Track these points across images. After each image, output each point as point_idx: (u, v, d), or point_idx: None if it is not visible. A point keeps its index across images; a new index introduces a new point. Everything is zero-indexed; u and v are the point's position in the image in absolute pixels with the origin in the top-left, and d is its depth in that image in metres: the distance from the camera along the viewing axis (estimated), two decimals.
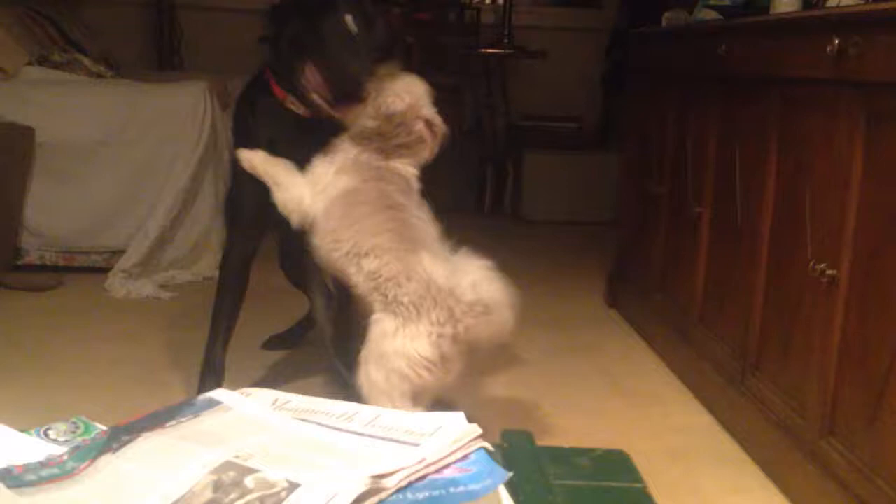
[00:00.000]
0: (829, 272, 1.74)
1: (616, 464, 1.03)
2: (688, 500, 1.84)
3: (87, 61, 3.79)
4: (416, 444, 0.84)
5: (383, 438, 0.87)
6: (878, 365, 1.58)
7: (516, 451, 0.98)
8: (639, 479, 0.99)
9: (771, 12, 2.25)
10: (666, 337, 2.72)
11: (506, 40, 4.92)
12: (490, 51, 4.89)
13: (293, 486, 0.74)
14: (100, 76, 3.76)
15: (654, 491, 1.66)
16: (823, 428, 1.78)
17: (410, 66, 1.97)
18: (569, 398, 2.39)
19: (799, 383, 1.89)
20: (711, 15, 2.65)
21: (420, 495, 0.77)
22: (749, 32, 2.24)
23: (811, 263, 1.81)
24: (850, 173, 1.70)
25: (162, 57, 4.88)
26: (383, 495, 0.74)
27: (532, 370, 2.60)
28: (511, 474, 0.83)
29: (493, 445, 0.92)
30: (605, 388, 2.49)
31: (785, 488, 1.89)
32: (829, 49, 1.70)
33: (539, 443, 1.02)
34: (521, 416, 2.24)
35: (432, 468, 0.81)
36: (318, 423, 0.89)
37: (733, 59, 2.27)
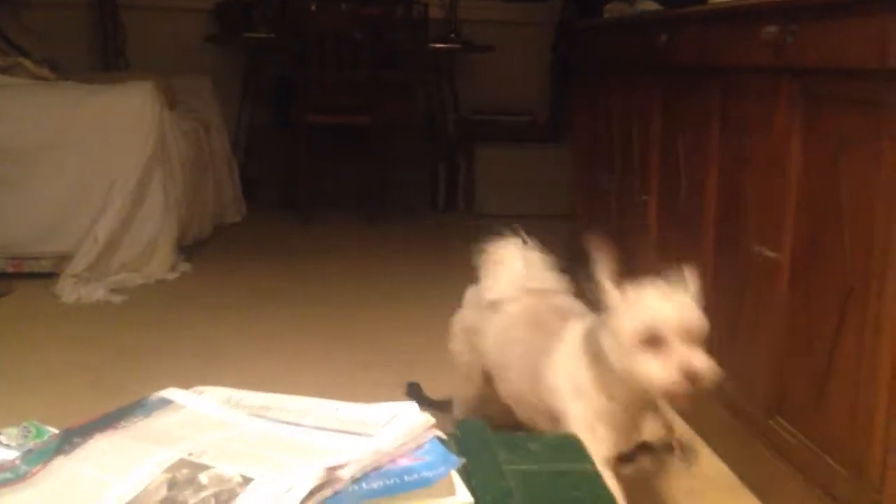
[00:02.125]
0: (772, 256, 1.78)
1: (567, 448, 1.05)
2: (639, 480, 1.87)
3: (29, 64, 3.73)
4: (371, 435, 0.85)
5: (338, 431, 0.88)
6: (823, 344, 1.63)
7: (470, 439, 0.99)
8: (589, 461, 1.01)
9: (710, 1, 2.30)
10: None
11: (453, 35, 4.93)
12: (438, 46, 4.91)
13: (247, 481, 0.74)
14: (43, 79, 3.70)
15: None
16: (772, 408, 1.82)
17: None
18: None
19: (747, 365, 1.93)
20: (652, 6, 2.69)
21: (375, 485, 0.78)
22: (688, 22, 2.28)
23: (755, 248, 1.85)
24: (789, 159, 1.74)
25: (107, 58, 4.82)
26: (338, 486, 0.76)
27: None
28: (464, 461, 0.85)
29: (447, 434, 0.94)
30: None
31: (735, 468, 1.93)
32: (766, 37, 1.74)
33: (493, 431, 1.04)
34: (476, 405, 2.25)
35: (387, 458, 0.82)
36: (274, 419, 0.90)
37: (674, 48, 2.31)
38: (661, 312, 1.44)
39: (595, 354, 1.51)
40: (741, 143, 1.97)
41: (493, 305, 1.81)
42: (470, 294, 1.96)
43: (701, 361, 1.42)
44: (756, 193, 1.89)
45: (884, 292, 1.42)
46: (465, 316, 1.95)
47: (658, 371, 1.41)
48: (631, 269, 2.69)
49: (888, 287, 1.41)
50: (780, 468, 1.75)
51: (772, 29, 1.73)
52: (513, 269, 1.88)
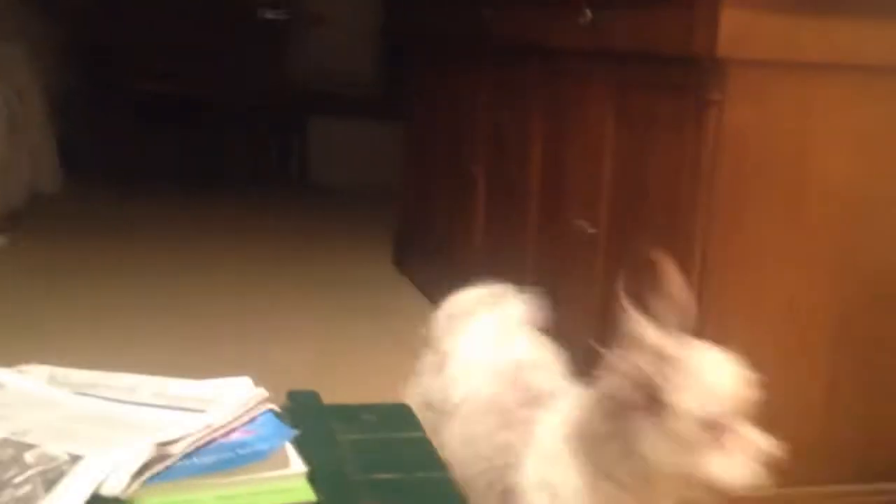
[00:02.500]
0: (589, 230, 1.89)
1: (398, 417, 1.09)
2: None
3: None
4: (203, 411, 0.86)
5: (169, 407, 0.88)
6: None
7: (303, 411, 1.01)
8: (419, 429, 1.05)
9: None
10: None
11: (283, 5, 4.86)
12: (269, 16, 4.82)
13: (75, 459, 0.74)
14: None
15: (436, 441, 1.75)
16: (591, 374, 1.93)
17: None
18: (358, 358, 2.45)
19: (569, 335, 2.04)
20: None
21: (207, 459, 0.79)
22: (511, 1, 2.35)
23: (573, 221, 1.95)
24: (604, 138, 1.84)
25: None
26: (169, 462, 0.76)
27: (321, 332, 2.65)
28: (297, 433, 0.87)
29: (281, 407, 0.95)
30: (392, 347, 2.57)
31: None
32: (582, 20, 1.82)
33: (327, 402, 1.06)
34: (310, 377, 2.26)
35: (219, 433, 0.83)
36: (100, 397, 0.89)
37: (499, 25, 2.38)
38: (723, 386, 1.08)
39: (589, 453, 1.11)
40: (560, 122, 2.07)
41: (449, 401, 1.35)
42: (426, 362, 1.54)
43: (767, 443, 1.10)
44: (575, 170, 1.99)
45: (686, 267, 1.53)
46: (425, 386, 1.50)
47: (739, 467, 1.07)
48: (458, 243, 2.77)
49: (689, 261, 1.52)
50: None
51: (587, 13, 1.81)
52: (479, 334, 1.43)
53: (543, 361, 1.39)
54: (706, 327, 1.52)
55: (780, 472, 1.60)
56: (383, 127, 4.78)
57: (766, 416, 1.58)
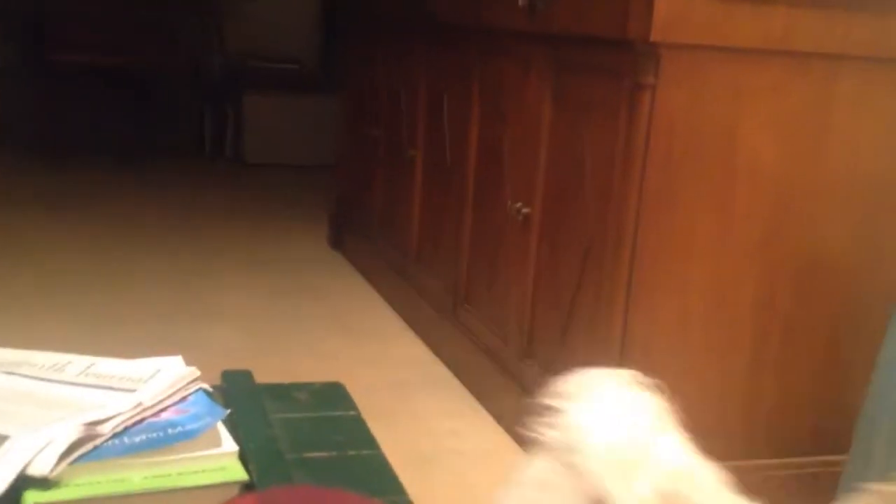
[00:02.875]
0: (524, 211, 1.91)
1: (332, 395, 1.10)
2: (407, 425, 1.96)
3: None
4: (133, 390, 0.85)
5: (98, 386, 0.87)
6: (566, 293, 1.77)
7: (236, 390, 1.01)
8: (353, 407, 1.06)
9: None
10: (386, 275, 2.83)
11: None
12: None
13: (1, 439, 0.73)
14: None
15: (375, 419, 1.76)
16: (522, 351, 1.96)
17: None
18: (294, 338, 2.44)
19: (502, 313, 2.06)
20: None
21: (137, 439, 0.78)
22: None
23: (510, 203, 1.97)
24: (541, 121, 1.86)
25: None
26: (98, 441, 0.75)
27: (257, 312, 2.63)
28: (229, 412, 0.87)
29: (213, 386, 0.95)
30: (328, 326, 2.57)
31: (492, 408, 2.07)
32: (521, 3, 1.83)
33: (261, 382, 1.06)
34: (245, 357, 2.26)
35: (150, 412, 0.82)
36: (27, 376, 0.87)
37: (437, 6, 2.38)
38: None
39: None
40: (498, 104, 2.08)
41: None
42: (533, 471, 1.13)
43: None
44: (512, 152, 2.01)
45: (618, 249, 1.56)
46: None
47: None
48: (395, 223, 2.77)
49: (622, 242, 1.55)
50: (529, 405, 1.89)
51: None
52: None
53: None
54: (637, 308, 1.56)
55: (699, 447, 1.64)
56: (320, 103, 4.75)
57: (691, 393, 1.63)
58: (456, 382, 2.23)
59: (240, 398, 0.97)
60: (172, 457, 0.77)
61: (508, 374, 2.00)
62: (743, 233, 1.58)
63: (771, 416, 1.68)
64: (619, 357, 1.58)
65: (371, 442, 0.98)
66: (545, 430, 0.81)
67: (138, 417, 0.81)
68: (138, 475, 0.75)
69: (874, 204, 1.64)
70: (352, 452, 0.94)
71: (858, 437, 1.56)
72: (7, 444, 0.72)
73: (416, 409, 2.07)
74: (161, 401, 0.84)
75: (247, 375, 1.08)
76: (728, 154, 1.54)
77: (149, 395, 0.84)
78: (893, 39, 1.56)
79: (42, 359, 0.90)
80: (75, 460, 0.72)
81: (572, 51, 1.74)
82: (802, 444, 1.71)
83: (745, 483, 1.79)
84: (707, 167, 1.54)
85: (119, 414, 0.79)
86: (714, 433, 1.65)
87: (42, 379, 0.86)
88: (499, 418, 2.04)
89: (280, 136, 4.76)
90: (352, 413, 1.04)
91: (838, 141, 1.59)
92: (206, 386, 0.91)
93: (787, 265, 1.62)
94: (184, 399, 0.87)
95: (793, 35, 1.51)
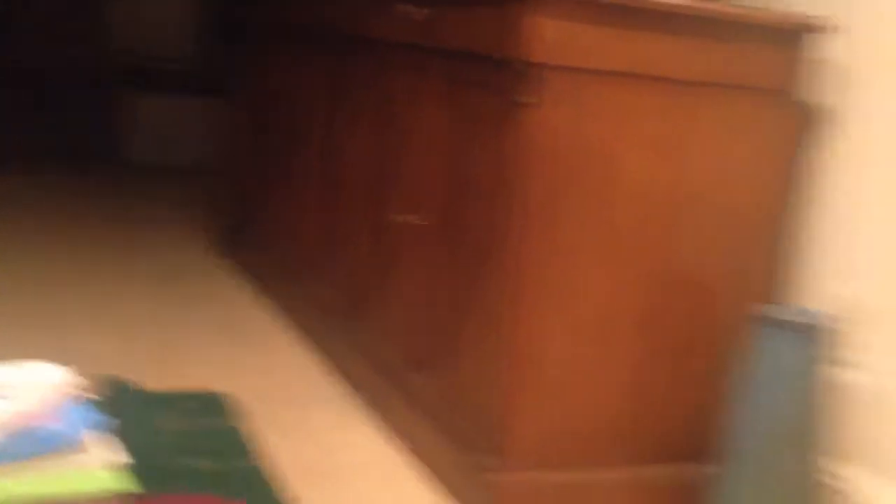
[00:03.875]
0: (416, 222, 1.94)
1: (217, 405, 1.11)
2: (298, 437, 1.96)
3: None
4: (5, 397, 0.84)
5: None
6: (458, 304, 1.81)
7: (119, 399, 1.01)
8: (238, 417, 1.07)
9: None
10: (278, 284, 2.82)
11: None
12: None
13: None
14: None
15: (266, 431, 1.76)
16: (414, 362, 1.99)
17: None
18: (181, 347, 2.40)
19: (394, 324, 2.09)
20: None
21: (11, 446, 0.78)
22: None
23: (403, 214, 2.00)
24: (432, 132, 1.90)
25: None
26: None
27: (142, 320, 2.58)
28: (111, 420, 0.87)
29: (97, 395, 0.95)
30: (217, 335, 2.54)
31: (386, 421, 2.08)
32: (405, 15, 1.87)
33: (147, 391, 1.06)
34: (131, 366, 2.22)
35: (27, 419, 0.82)
36: None
37: (331, 17, 2.40)
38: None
39: None
40: (393, 115, 2.11)
41: None
42: None
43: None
44: (406, 163, 2.04)
45: (505, 261, 1.61)
46: None
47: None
48: (288, 232, 2.76)
49: (508, 256, 1.60)
50: (419, 416, 1.92)
51: (408, 8, 1.86)
52: None
53: None
54: (524, 320, 1.61)
55: (586, 454, 1.71)
56: (210, 105, 4.67)
57: (580, 400, 1.69)
58: (351, 394, 2.25)
59: (123, 407, 0.97)
60: (49, 464, 0.77)
61: (401, 386, 2.03)
62: (624, 247, 1.65)
63: (654, 422, 1.75)
64: (507, 367, 1.63)
65: (253, 453, 0.99)
66: None
67: (16, 425, 0.80)
68: (12, 482, 0.75)
69: (735, 223, 1.73)
70: (234, 463, 0.95)
71: (728, 446, 1.65)
72: None
73: (308, 421, 2.07)
74: (39, 408, 0.84)
75: (130, 384, 1.08)
76: (609, 172, 1.61)
77: (26, 402, 0.83)
78: (753, 69, 1.67)
79: None
80: None
81: (464, 66, 1.78)
82: (678, 451, 1.79)
83: (624, 486, 1.87)
84: (589, 185, 1.60)
85: None
86: (596, 439, 1.71)
87: None
88: (391, 428, 2.06)
89: (168, 137, 4.67)
90: (236, 423, 1.06)
91: (704, 163, 1.68)
92: (88, 394, 0.91)
93: (667, 277, 1.69)
94: (61, 407, 0.86)
95: (662, 61, 1.60)
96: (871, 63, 1.73)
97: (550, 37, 1.51)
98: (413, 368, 1.99)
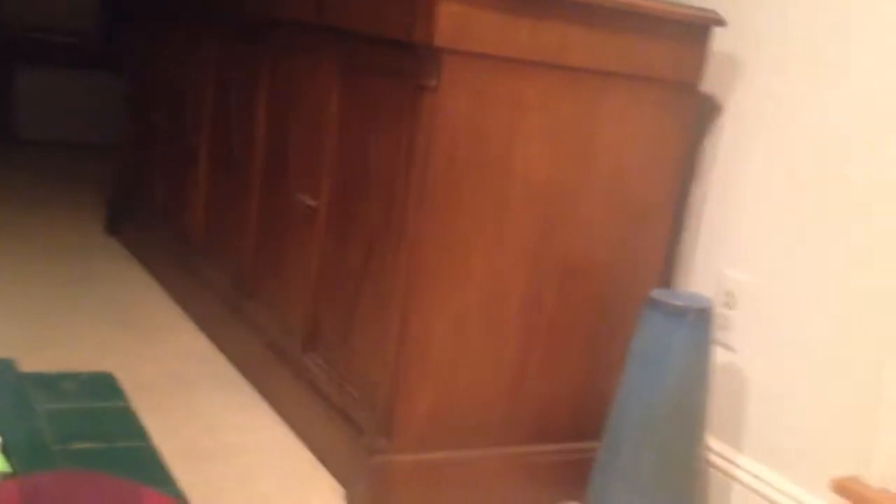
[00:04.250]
0: (310, 204, 1.93)
1: (101, 386, 1.07)
2: (186, 421, 1.93)
3: None
4: None
5: None
6: (349, 286, 1.81)
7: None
8: (123, 398, 1.04)
9: None
10: (168, 266, 2.76)
11: None
12: None
13: None
14: None
15: (153, 414, 1.73)
16: (306, 346, 1.98)
17: None
18: (67, 329, 2.33)
19: (286, 306, 2.07)
20: None
21: None
22: None
23: (296, 196, 1.98)
24: (328, 115, 1.88)
25: None
26: None
27: (26, 301, 2.49)
28: None
29: None
30: (104, 317, 2.47)
31: (274, 403, 2.07)
32: None
33: (29, 371, 1.02)
34: (14, 348, 2.14)
35: None
36: None
37: None
38: None
39: None
40: (288, 96, 2.08)
41: None
42: None
43: None
44: (300, 145, 2.02)
45: (399, 244, 1.62)
46: None
47: None
48: (178, 212, 2.71)
49: (402, 240, 1.61)
50: (312, 398, 1.91)
51: None
52: None
53: None
54: (416, 304, 1.62)
55: (471, 435, 1.73)
56: (101, 80, 4.53)
57: (464, 384, 1.72)
58: (239, 376, 2.22)
59: (1, 388, 0.94)
60: None
61: (292, 368, 2.01)
62: (516, 236, 1.68)
63: (537, 404, 1.79)
64: (396, 350, 1.64)
65: (141, 433, 0.97)
66: None
67: None
68: None
69: (632, 211, 1.78)
70: (121, 444, 0.93)
71: (611, 425, 1.70)
72: None
73: (196, 403, 2.04)
74: None
75: (7, 364, 1.04)
76: (505, 160, 1.63)
77: None
78: (652, 60, 1.71)
79: None
80: None
81: (362, 49, 1.77)
82: (563, 432, 1.83)
83: (510, 467, 1.91)
84: (485, 171, 1.62)
85: None
86: (483, 421, 1.74)
87: None
88: (281, 413, 2.04)
89: (57, 112, 4.50)
90: (121, 404, 1.03)
91: (604, 153, 1.72)
92: None
93: (556, 263, 1.73)
94: None
95: (567, 50, 1.62)
96: (760, 56, 1.80)
97: (450, 21, 1.51)
98: (304, 350, 1.98)
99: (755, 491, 1.75)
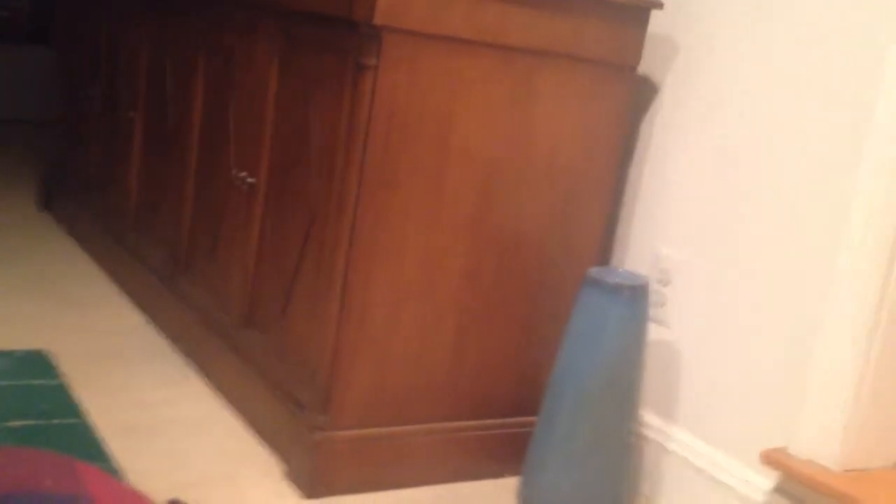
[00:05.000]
0: (249, 180, 1.91)
1: (35, 363, 1.06)
2: (119, 395, 1.90)
3: None
4: None
5: None
6: (289, 262, 1.80)
7: None
8: (57, 375, 1.03)
9: None
10: (101, 241, 2.72)
11: None
12: None
13: None
14: None
15: (86, 389, 1.71)
16: (244, 321, 1.97)
17: None
18: (0, 306, 2.29)
19: (224, 281, 2.06)
20: None
21: None
22: None
23: (234, 172, 1.96)
24: (268, 92, 1.87)
25: None
26: None
27: None
28: None
29: None
30: (35, 293, 2.43)
31: (211, 379, 2.06)
32: None
33: None
34: None
35: None
36: None
37: None
38: None
39: None
40: (226, 71, 2.06)
41: None
42: None
43: None
44: (238, 122, 2.00)
45: (339, 220, 1.62)
46: None
47: None
48: (113, 188, 2.66)
49: (343, 215, 1.61)
50: (249, 372, 1.91)
51: None
52: None
53: None
54: (355, 279, 1.62)
55: (409, 411, 1.75)
56: (33, 54, 4.42)
57: (402, 359, 1.73)
58: (174, 352, 2.20)
59: None
60: None
61: (229, 343, 2.00)
62: (454, 212, 1.69)
63: (474, 380, 1.81)
64: (336, 325, 1.64)
65: (75, 410, 0.97)
66: None
67: None
68: None
69: (569, 189, 1.81)
70: (55, 421, 0.92)
71: (547, 399, 1.73)
72: None
73: (129, 378, 2.02)
74: None
75: None
76: (443, 138, 1.64)
77: None
78: (590, 41, 1.73)
79: None
80: None
81: (301, 25, 1.76)
82: (501, 407, 1.86)
83: (448, 442, 1.94)
84: (424, 148, 1.63)
85: None
86: (422, 396, 1.76)
87: None
88: (217, 387, 2.03)
89: None
90: (56, 381, 1.02)
91: (539, 131, 1.74)
92: None
93: (492, 239, 1.75)
94: None
95: (503, 29, 1.63)
96: (693, 37, 1.84)
97: (391, 0, 1.51)
98: (243, 326, 1.97)
99: (688, 462, 1.80)
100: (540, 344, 1.86)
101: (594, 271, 1.70)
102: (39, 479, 0.52)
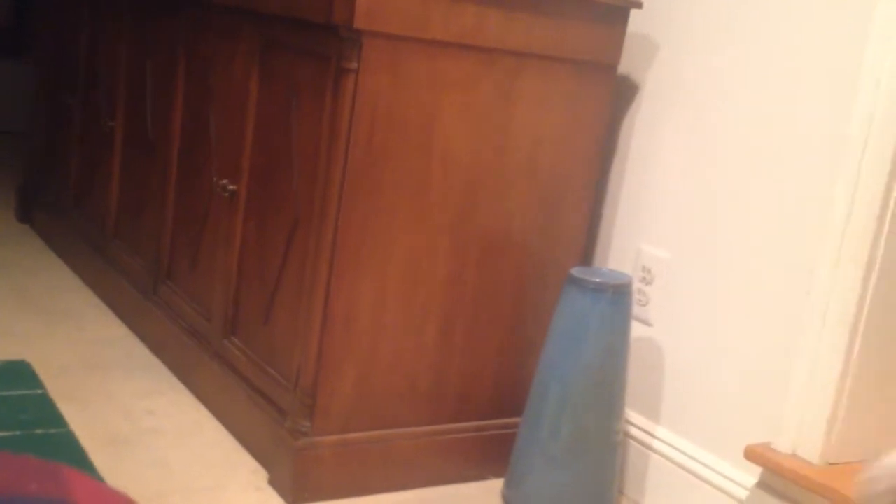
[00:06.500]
0: (230, 187, 1.90)
1: (17, 374, 1.06)
2: (102, 406, 1.89)
3: None
4: None
5: None
6: (271, 271, 1.80)
7: None
8: (39, 386, 1.02)
9: None
10: (81, 252, 2.70)
11: None
12: None
13: None
14: None
15: (69, 401, 1.69)
16: (226, 329, 1.96)
17: None
18: None
19: (206, 291, 2.05)
20: None
21: None
22: None
23: (216, 179, 1.96)
24: (248, 98, 1.86)
25: None
26: None
27: None
28: None
29: None
30: (17, 305, 2.40)
31: (194, 388, 2.05)
32: None
33: None
34: None
35: None
36: None
37: None
38: None
39: None
40: (206, 78, 2.05)
41: None
42: None
43: None
44: (219, 128, 1.99)
45: (323, 225, 1.61)
46: None
47: None
48: (92, 198, 2.65)
49: (326, 220, 1.60)
50: (232, 382, 1.90)
51: None
52: None
53: None
54: (339, 285, 1.62)
55: (392, 415, 1.75)
56: (11, 66, 4.39)
57: (387, 363, 1.72)
58: (156, 362, 2.19)
59: None
60: None
61: (211, 351, 1.99)
62: (437, 214, 1.69)
63: (457, 382, 1.81)
64: (320, 331, 1.64)
65: (58, 420, 0.96)
66: None
67: None
68: None
69: (551, 189, 1.81)
70: (38, 431, 0.91)
71: (531, 401, 1.73)
72: None
73: (112, 389, 2.01)
74: None
75: None
76: (425, 140, 1.64)
77: None
78: (570, 41, 1.74)
79: None
80: None
81: (281, 31, 1.76)
82: (485, 409, 1.86)
83: (433, 445, 1.93)
84: (406, 152, 1.63)
85: None
86: (405, 400, 1.76)
87: None
88: (200, 396, 2.02)
89: None
90: (38, 392, 1.01)
91: (523, 132, 1.74)
92: None
93: (475, 241, 1.75)
94: None
95: (482, 31, 1.64)
96: (671, 36, 1.85)
97: (371, 3, 1.51)
98: (224, 334, 1.96)
99: (672, 460, 1.80)
100: (523, 345, 1.86)
101: (577, 271, 1.71)
102: (24, 482, 0.52)
